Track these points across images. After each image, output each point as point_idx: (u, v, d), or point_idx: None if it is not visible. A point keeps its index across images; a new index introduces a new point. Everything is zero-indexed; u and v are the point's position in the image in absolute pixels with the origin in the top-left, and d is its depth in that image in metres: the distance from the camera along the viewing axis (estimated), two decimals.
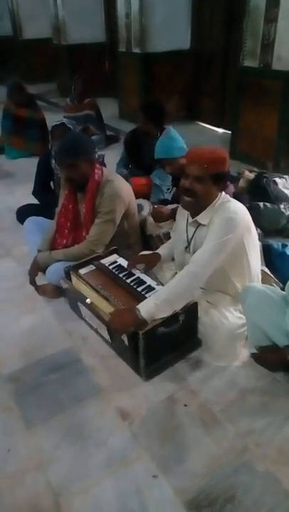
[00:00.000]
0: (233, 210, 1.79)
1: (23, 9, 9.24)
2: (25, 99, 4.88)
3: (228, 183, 2.46)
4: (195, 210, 1.90)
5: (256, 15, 3.90)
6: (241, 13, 4.19)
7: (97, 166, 2.36)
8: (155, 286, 2.02)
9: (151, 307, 1.73)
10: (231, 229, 1.74)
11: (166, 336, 1.79)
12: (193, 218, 1.92)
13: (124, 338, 1.79)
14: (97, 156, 3.04)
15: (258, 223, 2.62)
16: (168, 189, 3.25)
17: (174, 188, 3.22)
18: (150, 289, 2.01)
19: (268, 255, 2.49)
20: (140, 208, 2.82)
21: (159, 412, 1.70)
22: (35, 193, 3.24)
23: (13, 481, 1.48)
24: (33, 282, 2.39)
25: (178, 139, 2.56)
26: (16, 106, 4.85)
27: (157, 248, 2.33)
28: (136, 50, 5.74)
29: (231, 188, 2.56)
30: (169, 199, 3.17)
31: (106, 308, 1.89)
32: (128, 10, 5.64)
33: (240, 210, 1.82)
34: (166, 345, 1.84)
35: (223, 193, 1.86)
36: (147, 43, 5.59)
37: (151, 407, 1.72)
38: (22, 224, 2.90)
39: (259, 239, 2.21)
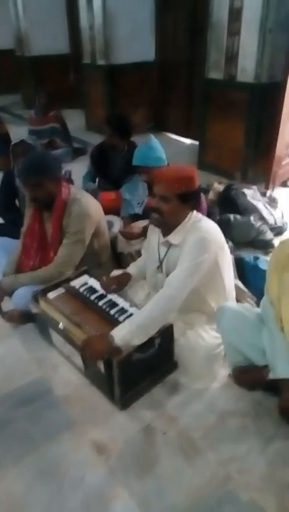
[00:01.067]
0: (205, 229, 1.75)
1: None
2: None
3: (202, 199, 2.42)
4: (165, 228, 1.86)
5: (219, 28, 3.96)
6: (205, 26, 4.23)
7: (64, 184, 2.28)
8: (128, 309, 1.95)
9: (126, 333, 1.65)
10: (205, 249, 1.70)
11: (141, 361, 1.72)
12: (164, 238, 1.87)
13: (100, 365, 1.71)
14: (63, 172, 2.96)
15: (228, 236, 2.61)
16: (138, 203, 3.20)
17: (146, 200, 3.18)
18: (123, 311, 1.94)
19: (241, 268, 2.47)
20: (110, 224, 2.75)
21: (137, 443, 1.62)
22: None
23: None
24: None
25: (157, 148, 2.51)
26: None
27: (128, 266, 2.27)
28: (101, 62, 5.72)
29: (204, 204, 2.52)
30: (140, 213, 3.13)
31: (78, 335, 1.80)
32: (92, 22, 5.61)
33: (212, 228, 1.79)
34: (142, 370, 1.77)
35: (194, 211, 1.82)
36: (112, 54, 5.58)
37: (128, 439, 1.64)
38: None
39: (231, 252, 2.19)
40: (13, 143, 2.89)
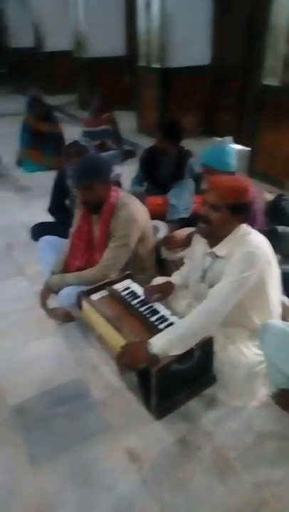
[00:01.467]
0: (254, 243, 1.71)
1: (46, 22, 9.39)
2: (44, 112, 4.91)
3: (258, 211, 2.32)
4: (211, 239, 1.84)
5: (277, 33, 3.85)
6: (262, 31, 4.14)
7: (113, 187, 2.31)
8: (169, 317, 1.94)
9: (165, 343, 1.64)
10: (252, 264, 1.66)
11: (180, 372, 1.70)
12: (210, 248, 1.85)
13: (134, 376, 1.71)
14: (113, 175, 3.00)
15: (275, 248, 2.52)
16: (185, 209, 3.19)
17: (192, 206, 3.15)
18: (164, 319, 1.93)
19: (287, 282, 2.39)
20: (156, 230, 2.75)
21: (171, 455, 1.61)
22: (50, 211, 3.21)
23: None
24: (44, 305, 2.33)
25: (229, 153, 2.41)
26: (35, 119, 4.88)
27: (172, 272, 2.25)
28: (155, 64, 5.74)
29: (260, 217, 2.42)
30: (187, 216, 3.10)
31: (117, 339, 1.81)
32: (149, 25, 5.65)
33: (261, 243, 1.74)
34: (179, 382, 1.75)
35: (244, 224, 1.78)
36: (167, 58, 5.58)
37: (162, 450, 1.63)
38: (36, 241, 2.86)
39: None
40: (67, 143, 2.96)
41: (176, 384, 1.74)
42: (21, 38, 11.32)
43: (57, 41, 9.19)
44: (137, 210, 2.28)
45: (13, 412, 1.82)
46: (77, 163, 2.34)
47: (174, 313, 1.98)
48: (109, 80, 7.32)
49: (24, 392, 1.91)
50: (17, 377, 2.01)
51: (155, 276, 2.33)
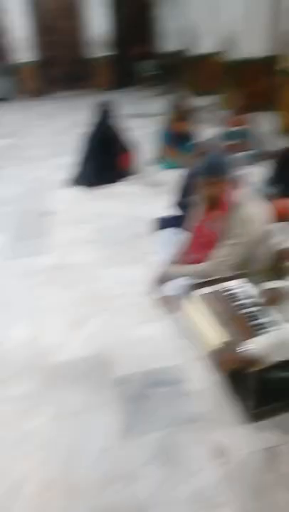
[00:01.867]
0: None
1: (196, 26, 9.62)
2: (185, 113, 5.07)
3: None
4: None
5: None
6: None
7: (236, 186, 2.31)
8: (278, 322, 1.86)
9: (266, 345, 1.60)
10: None
11: (280, 379, 1.63)
12: None
13: (225, 374, 1.70)
14: (240, 174, 2.97)
15: None
16: None
17: None
18: (272, 323, 1.85)
19: None
20: (280, 232, 2.64)
21: (257, 460, 1.56)
22: (177, 205, 3.33)
23: (100, 483, 1.54)
24: (156, 292, 2.46)
25: None
26: (176, 120, 5.08)
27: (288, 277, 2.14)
28: None
29: None
30: None
31: (219, 335, 1.82)
32: None
33: None
34: (279, 389, 1.68)
35: None
36: None
37: (249, 453, 1.59)
38: (159, 233, 3.02)
39: None
40: (197, 142, 3.04)
41: (275, 390, 1.67)
42: (173, 42, 11.83)
43: (205, 44, 9.34)
44: (257, 211, 2.23)
45: (118, 382, 1.98)
46: (204, 159, 2.39)
47: (285, 319, 1.89)
48: (253, 81, 7.15)
49: (129, 367, 2.06)
50: (125, 352, 2.17)
51: (270, 279, 2.25)
